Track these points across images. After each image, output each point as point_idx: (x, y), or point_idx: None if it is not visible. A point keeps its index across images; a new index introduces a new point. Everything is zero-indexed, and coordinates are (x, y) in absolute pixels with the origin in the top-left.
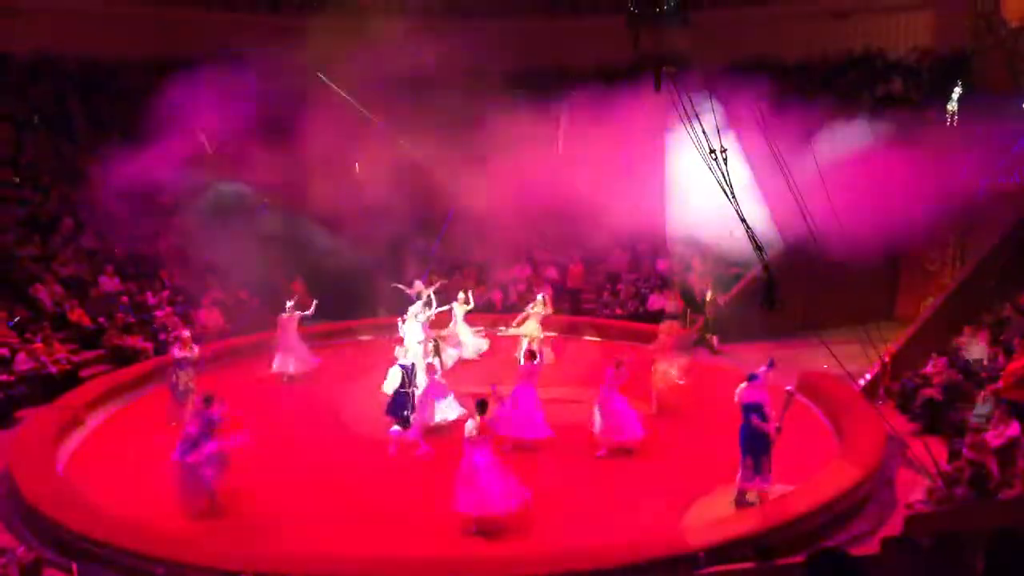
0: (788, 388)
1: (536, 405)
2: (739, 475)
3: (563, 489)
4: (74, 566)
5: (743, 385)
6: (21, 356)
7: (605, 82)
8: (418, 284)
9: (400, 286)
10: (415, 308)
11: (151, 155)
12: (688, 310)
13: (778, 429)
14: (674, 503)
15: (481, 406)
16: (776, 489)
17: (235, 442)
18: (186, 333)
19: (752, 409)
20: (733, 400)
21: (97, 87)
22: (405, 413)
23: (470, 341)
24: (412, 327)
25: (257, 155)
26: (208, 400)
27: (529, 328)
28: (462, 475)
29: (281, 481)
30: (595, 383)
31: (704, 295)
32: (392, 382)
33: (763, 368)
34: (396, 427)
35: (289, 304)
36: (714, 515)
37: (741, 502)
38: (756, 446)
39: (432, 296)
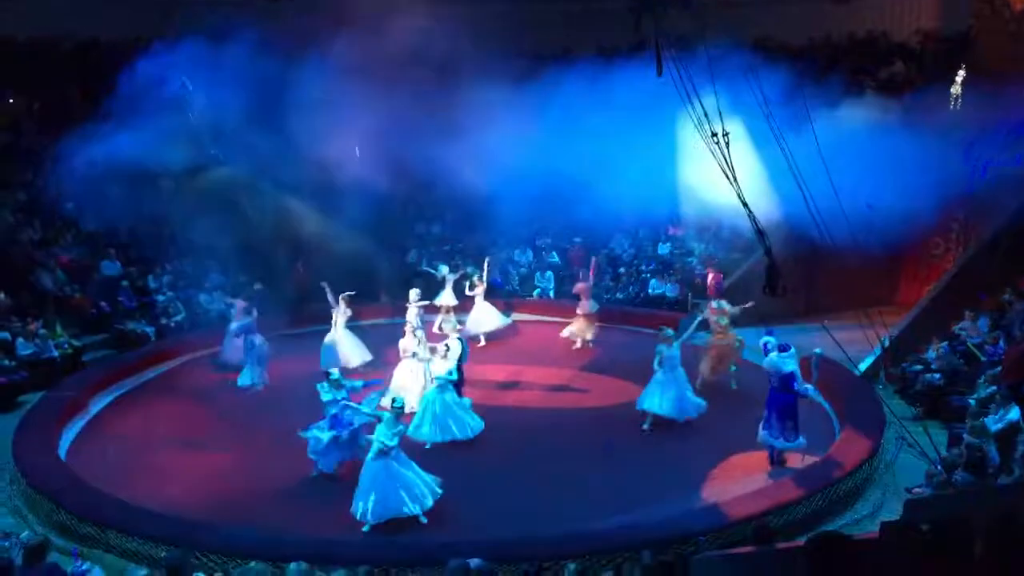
0: (817, 351)
1: (461, 403)
2: (765, 435)
3: (565, 471)
4: (75, 551)
5: (774, 355)
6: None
7: (608, 63)
8: (443, 268)
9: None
10: (414, 295)
11: (148, 136)
12: (690, 294)
13: (815, 390)
14: (682, 483)
15: (397, 407)
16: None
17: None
18: (241, 303)
19: (790, 378)
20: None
21: (96, 69)
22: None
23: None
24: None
25: (254, 135)
26: (334, 377)
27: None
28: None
29: (287, 466)
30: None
31: (706, 279)
32: (453, 357)
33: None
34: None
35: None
36: (721, 495)
37: (776, 460)
38: (785, 410)
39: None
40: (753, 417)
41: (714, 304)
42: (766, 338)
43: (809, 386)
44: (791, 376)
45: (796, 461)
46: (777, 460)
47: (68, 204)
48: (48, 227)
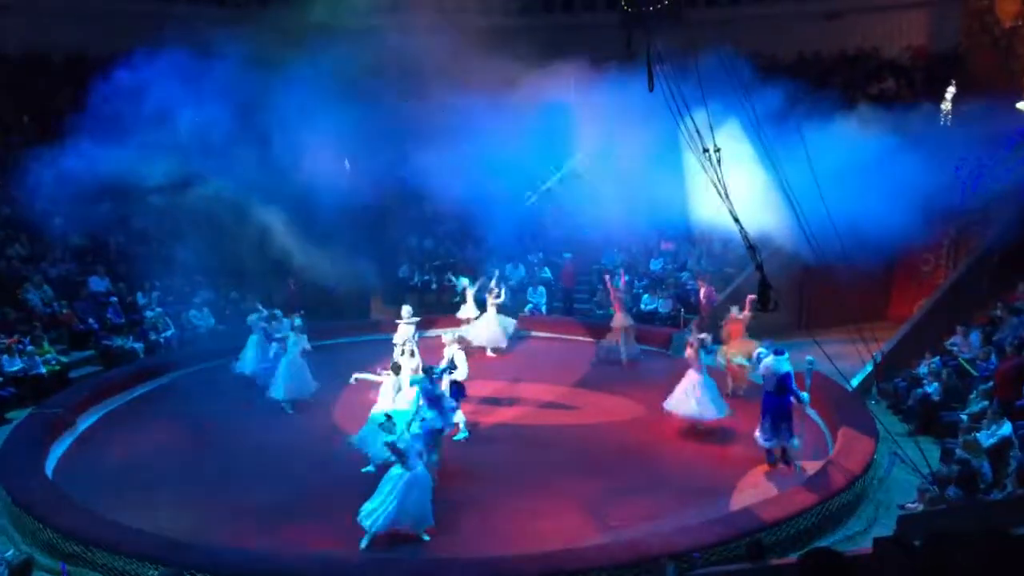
0: (808, 359)
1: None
2: (761, 438)
3: (562, 486)
4: (63, 566)
5: (769, 359)
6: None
7: (601, 79)
8: (464, 280)
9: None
10: (405, 312)
11: (135, 151)
12: (682, 310)
13: (808, 399)
14: (675, 499)
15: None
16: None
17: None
18: (277, 311)
19: (786, 379)
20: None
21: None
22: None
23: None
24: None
25: (240, 149)
26: (432, 370)
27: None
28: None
29: (277, 483)
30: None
31: (699, 295)
32: (462, 372)
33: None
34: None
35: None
36: (714, 511)
37: (774, 462)
38: (780, 412)
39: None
40: (749, 431)
41: (734, 310)
42: (761, 349)
43: (804, 393)
44: (787, 377)
45: (790, 470)
46: (779, 460)
47: (56, 219)
48: (35, 242)
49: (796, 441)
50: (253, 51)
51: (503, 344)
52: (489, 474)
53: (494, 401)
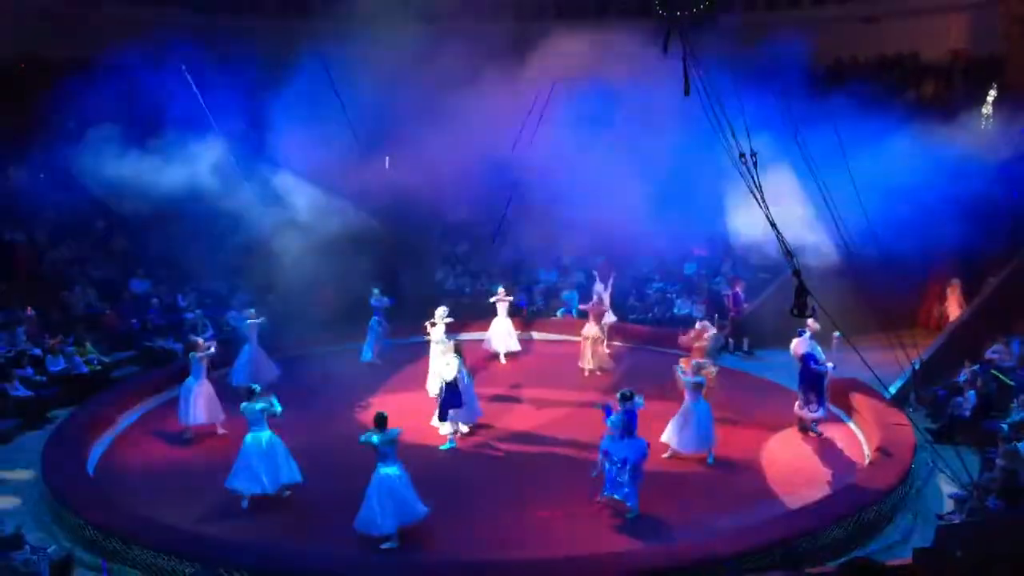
0: (836, 334)
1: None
2: (797, 406)
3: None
4: (104, 564)
5: (796, 340)
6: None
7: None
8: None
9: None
10: (440, 313)
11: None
12: (716, 315)
13: (834, 367)
14: (709, 505)
15: (380, 420)
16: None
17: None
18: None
19: (809, 357)
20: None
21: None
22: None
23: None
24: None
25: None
26: (629, 395)
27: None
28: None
29: (318, 479)
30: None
31: (731, 300)
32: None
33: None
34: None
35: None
36: (748, 518)
37: (803, 428)
38: (812, 384)
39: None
40: (771, 439)
41: (697, 325)
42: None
43: (829, 364)
44: (807, 357)
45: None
46: (811, 429)
47: (99, 223)
48: (79, 246)
49: (822, 411)
50: (274, 54)
51: (516, 347)
52: (514, 478)
53: (523, 403)
